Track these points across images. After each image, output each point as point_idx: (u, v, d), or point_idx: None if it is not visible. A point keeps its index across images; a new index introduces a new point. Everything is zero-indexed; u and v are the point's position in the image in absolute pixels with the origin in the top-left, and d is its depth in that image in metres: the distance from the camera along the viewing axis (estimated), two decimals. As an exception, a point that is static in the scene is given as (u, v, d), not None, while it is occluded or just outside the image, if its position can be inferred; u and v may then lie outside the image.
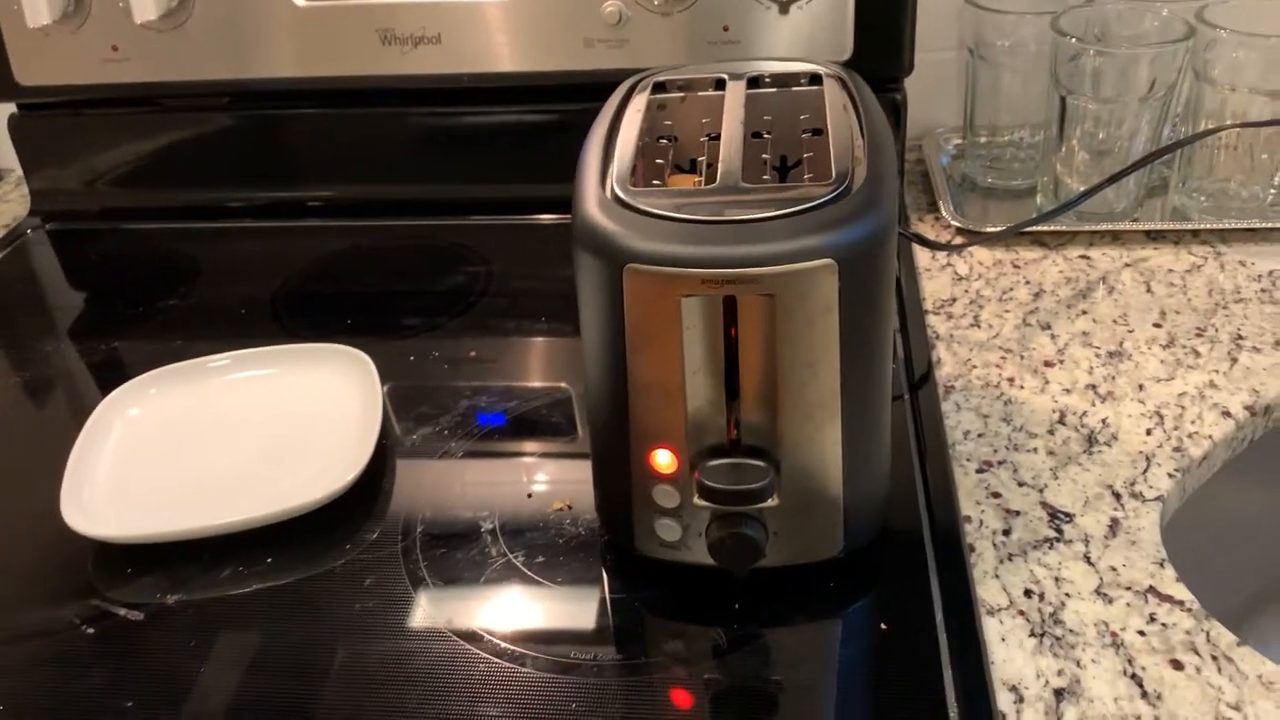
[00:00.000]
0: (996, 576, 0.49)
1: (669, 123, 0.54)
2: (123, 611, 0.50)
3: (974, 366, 0.62)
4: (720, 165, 0.46)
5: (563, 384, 0.63)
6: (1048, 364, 0.62)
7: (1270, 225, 0.72)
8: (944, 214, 0.76)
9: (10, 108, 0.85)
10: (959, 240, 0.74)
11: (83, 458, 0.57)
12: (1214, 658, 0.44)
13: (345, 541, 0.53)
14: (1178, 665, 0.44)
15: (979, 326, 0.66)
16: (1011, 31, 0.76)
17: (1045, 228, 0.73)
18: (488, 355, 0.66)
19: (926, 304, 0.68)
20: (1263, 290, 0.67)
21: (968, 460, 0.56)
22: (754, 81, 0.54)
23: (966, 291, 0.69)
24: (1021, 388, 0.60)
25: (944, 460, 0.55)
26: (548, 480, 0.56)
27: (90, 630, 0.49)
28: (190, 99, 0.83)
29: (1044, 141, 0.76)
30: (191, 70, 0.80)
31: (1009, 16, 0.76)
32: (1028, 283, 0.69)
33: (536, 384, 0.64)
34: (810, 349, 0.43)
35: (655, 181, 0.50)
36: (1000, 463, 0.55)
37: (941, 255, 0.73)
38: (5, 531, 0.56)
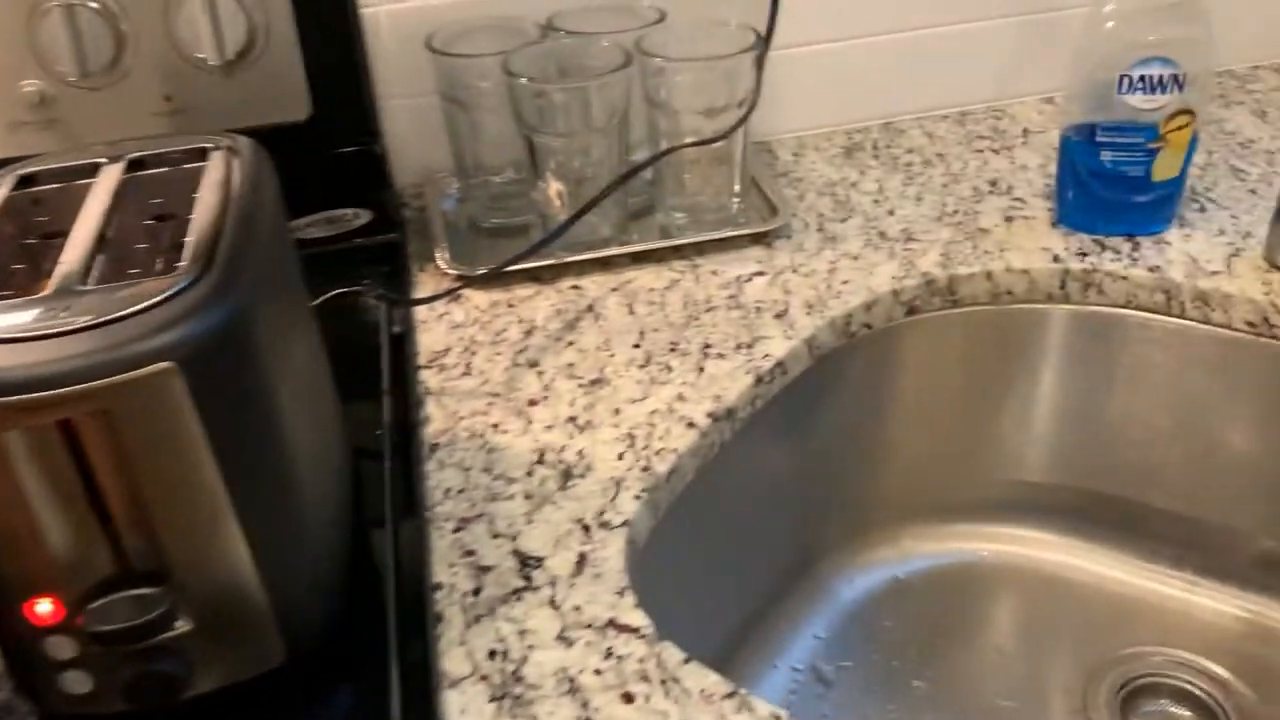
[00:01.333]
0: (463, 643, 0.47)
1: (47, 218, 0.48)
2: None
3: (462, 418, 0.61)
4: (59, 267, 0.41)
5: None
6: (532, 403, 0.62)
7: (738, 232, 0.76)
8: (439, 262, 0.75)
9: None
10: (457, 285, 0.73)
11: None
12: (663, 681, 0.45)
13: None
14: (629, 698, 0.44)
15: (470, 375, 0.65)
16: (487, 73, 0.76)
17: (540, 262, 0.74)
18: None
19: (420, 359, 0.67)
20: (730, 296, 0.70)
21: (445, 521, 0.54)
22: (138, 164, 0.49)
23: (461, 339, 0.68)
24: (506, 432, 0.60)
25: (419, 527, 0.53)
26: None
27: None
28: None
29: (526, 178, 0.77)
30: None
31: (476, 60, 0.76)
32: (520, 321, 0.69)
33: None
34: (174, 459, 0.39)
35: (8, 292, 0.45)
36: (478, 516, 0.54)
37: (440, 305, 0.72)
38: None
